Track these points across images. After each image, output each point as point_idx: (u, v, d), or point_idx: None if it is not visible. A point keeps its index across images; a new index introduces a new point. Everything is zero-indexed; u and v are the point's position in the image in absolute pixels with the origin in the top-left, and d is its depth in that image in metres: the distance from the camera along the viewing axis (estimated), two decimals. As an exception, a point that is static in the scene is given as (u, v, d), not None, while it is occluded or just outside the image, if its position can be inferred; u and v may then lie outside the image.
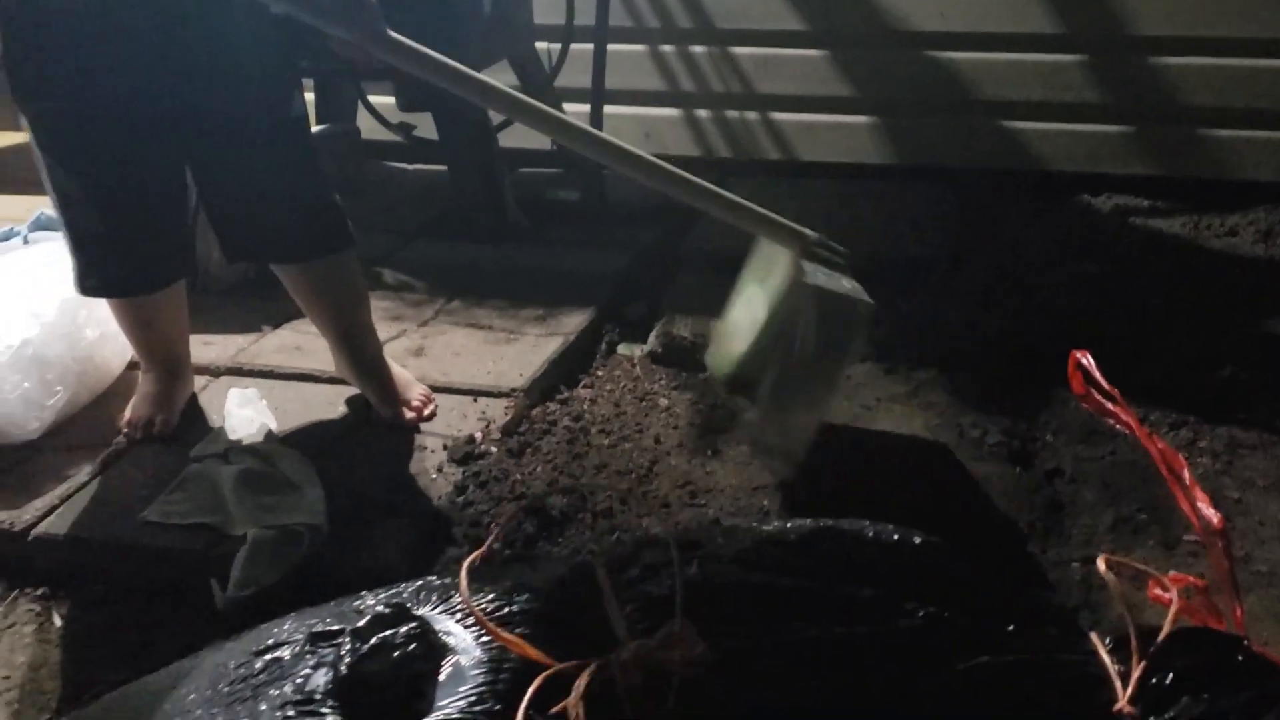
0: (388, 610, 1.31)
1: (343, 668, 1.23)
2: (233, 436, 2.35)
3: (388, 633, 1.27)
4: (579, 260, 3.39)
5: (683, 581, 1.31)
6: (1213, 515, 1.49)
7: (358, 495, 2.23)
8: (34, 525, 2.19)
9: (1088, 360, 1.68)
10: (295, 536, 2.08)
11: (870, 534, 1.48)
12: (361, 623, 1.28)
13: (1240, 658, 1.35)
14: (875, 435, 2.56)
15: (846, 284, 2.28)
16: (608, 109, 3.74)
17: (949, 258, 3.43)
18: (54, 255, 2.60)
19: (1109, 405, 1.65)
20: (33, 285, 2.47)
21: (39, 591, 2.14)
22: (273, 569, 2.03)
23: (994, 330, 3.03)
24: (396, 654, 1.25)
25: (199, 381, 2.67)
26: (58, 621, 2.08)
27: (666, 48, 4.03)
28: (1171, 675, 1.35)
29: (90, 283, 2.36)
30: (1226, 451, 2.48)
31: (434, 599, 1.39)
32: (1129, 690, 1.35)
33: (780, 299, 2.33)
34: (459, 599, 1.37)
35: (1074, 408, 2.68)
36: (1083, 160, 3.83)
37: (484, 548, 1.42)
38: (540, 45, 3.80)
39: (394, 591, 1.43)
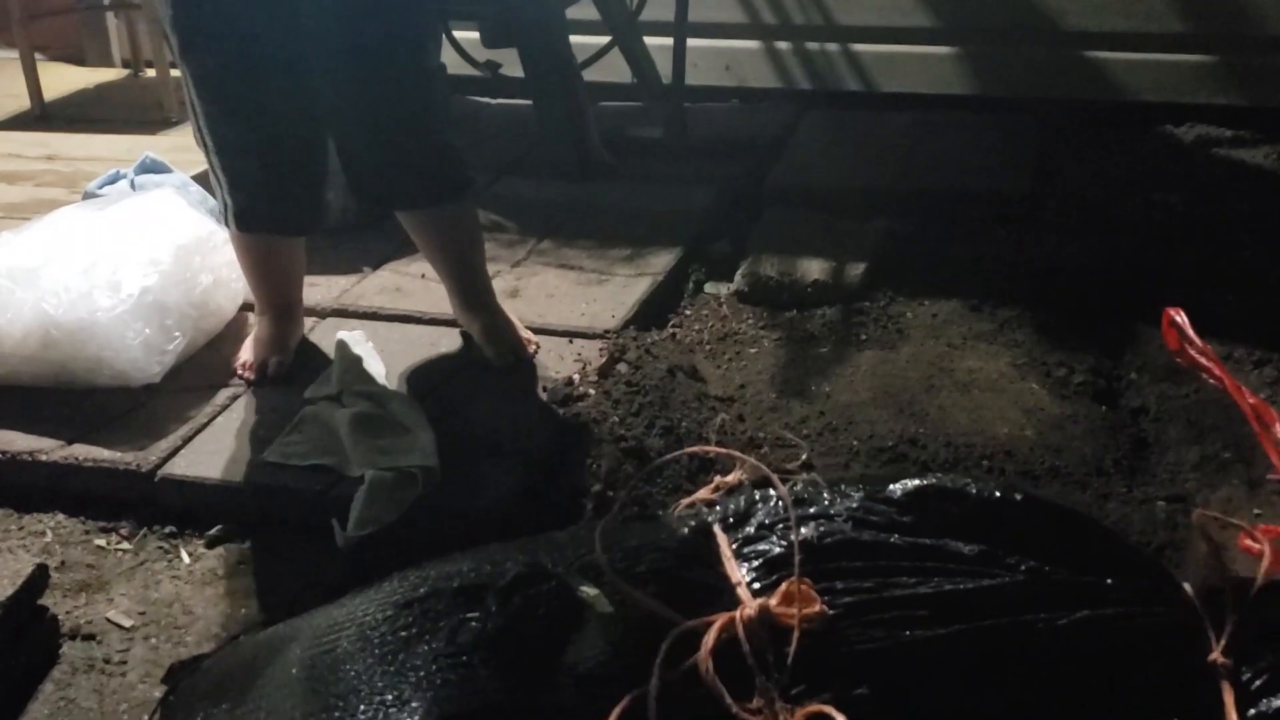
0: (526, 569, 1.40)
1: (490, 624, 1.32)
2: (344, 378, 2.44)
3: (529, 591, 1.35)
4: (664, 197, 3.44)
5: (799, 542, 1.38)
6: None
7: (464, 437, 2.32)
8: (160, 466, 2.30)
9: (1181, 318, 1.72)
10: (410, 478, 2.17)
11: (973, 491, 1.54)
12: (504, 581, 1.37)
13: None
14: (964, 371, 2.62)
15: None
16: (690, 42, 3.78)
17: (1031, 190, 3.45)
18: (166, 202, 2.71)
19: (1202, 361, 1.70)
20: (148, 232, 2.57)
21: (167, 530, 2.25)
22: (390, 508, 2.13)
23: (1077, 265, 3.06)
24: (539, 612, 1.34)
25: (307, 323, 2.77)
26: (186, 559, 2.19)
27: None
28: (1263, 627, 1.42)
29: (249, 220, 2.48)
30: (1316, 386, 2.51)
31: (567, 556, 1.48)
32: (1223, 642, 1.41)
33: None
34: (590, 556, 1.46)
35: (1158, 345, 2.70)
36: (1165, 90, 3.82)
37: (611, 515, 1.50)
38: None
39: (531, 548, 1.52)
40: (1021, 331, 2.78)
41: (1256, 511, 2.18)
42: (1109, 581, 1.51)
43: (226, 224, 2.53)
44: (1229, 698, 1.42)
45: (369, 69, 2.35)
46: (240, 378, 2.56)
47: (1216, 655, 1.42)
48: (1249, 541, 1.58)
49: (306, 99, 2.39)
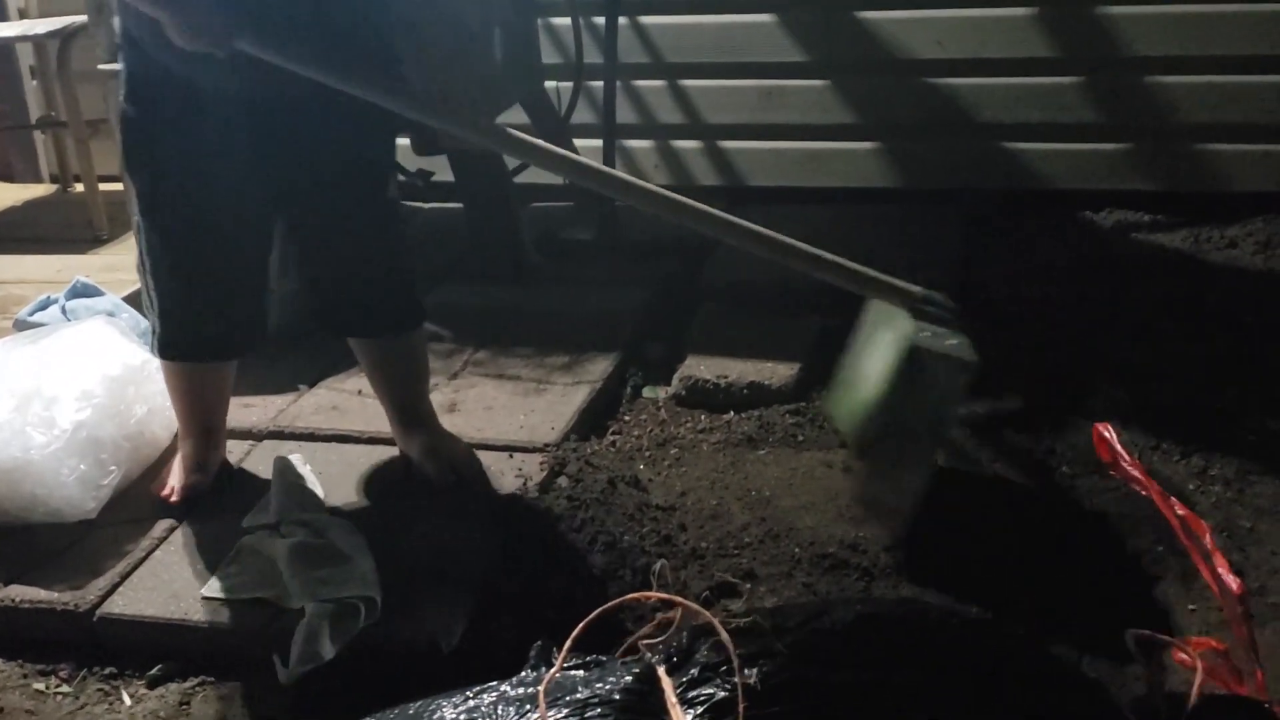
0: None
1: None
2: (282, 507, 2.43)
3: None
4: (598, 299, 3.47)
5: (743, 688, 1.40)
6: (1233, 582, 1.58)
7: (406, 562, 2.32)
8: (98, 605, 2.27)
9: (1110, 433, 1.77)
10: (351, 609, 2.16)
11: (914, 616, 1.56)
12: None
13: (1263, 722, 1.45)
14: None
15: (953, 341, 2.27)
16: (619, 142, 3.84)
17: (957, 282, 3.52)
18: (97, 333, 2.70)
19: (1132, 474, 1.74)
20: (80, 365, 2.55)
21: (107, 670, 2.22)
22: (332, 643, 2.11)
23: (1005, 357, 3.11)
24: None
25: (243, 446, 2.76)
26: (127, 700, 2.16)
27: (677, 81, 4.12)
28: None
29: (170, 350, 2.49)
30: (1237, 479, 2.56)
31: (511, 714, 1.48)
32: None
33: (896, 354, 2.32)
34: (535, 716, 1.46)
35: (1087, 432, 2.77)
36: (1083, 178, 3.92)
37: (555, 668, 1.51)
38: (549, 84, 3.89)
39: (471, 705, 1.52)
40: (956, 429, 2.82)
41: (1191, 607, 2.22)
42: (1048, 705, 1.53)
43: (152, 349, 2.52)
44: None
45: (341, 205, 2.39)
46: (163, 501, 2.54)
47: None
48: (1182, 655, 1.61)
49: (251, 226, 2.41)
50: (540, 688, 1.45)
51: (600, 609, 1.58)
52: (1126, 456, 1.76)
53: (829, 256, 2.38)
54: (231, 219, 2.37)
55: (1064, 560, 2.38)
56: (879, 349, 2.39)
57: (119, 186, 3.58)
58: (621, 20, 3.82)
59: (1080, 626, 2.19)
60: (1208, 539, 1.65)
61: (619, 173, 2.49)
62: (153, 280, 2.44)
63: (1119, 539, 2.43)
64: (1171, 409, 2.82)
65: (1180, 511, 1.68)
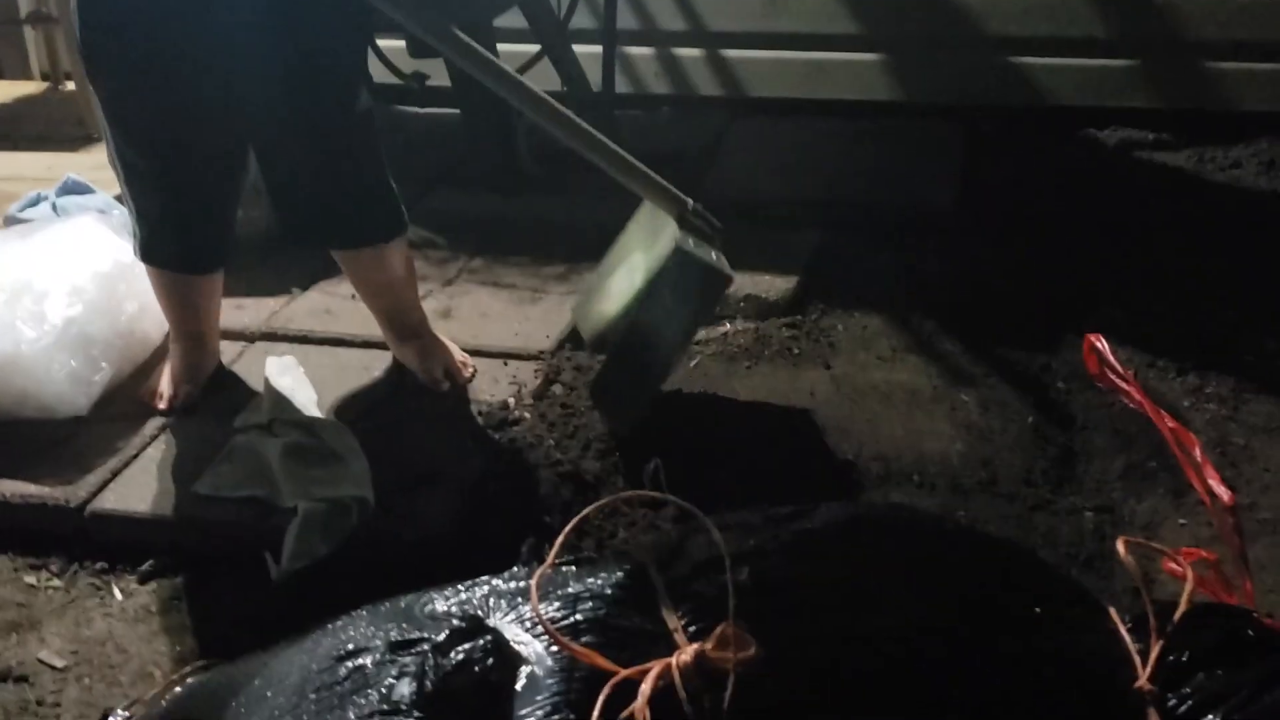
0: (464, 624, 1.40)
1: (427, 682, 1.33)
2: (274, 407, 2.43)
3: (466, 645, 1.35)
4: (595, 210, 3.41)
5: (734, 586, 1.39)
6: (1224, 493, 1.58)
7: (399, 464, 2.31)
8: (89, 501, 2.27)
9: (1101, 344, 1.75)
10: (344, 508, 2.16)
11: (903, 520, 1.56)
12: (440, 637, 1.37)
13: (1251, 632, 1.45)
14: (894, 384, 2.65)
15: (712, 254, 2.38)
16: (620, 49, 3.79)
17: (960, 198, 3.49)
18: (88, 228, 2.67)
19: (1123, 385, 1.73)
20: (71, 261, 2.53)
21: (98, 565, 2.22)
22: (324, 542, 2.12)
23: (1004, 274, 3.11)
24: (476, 667, 1.34)
25: (235, 348, 2.74)
26: (118, 595, 2.17)
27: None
28: (1188, 653, 1.44)
29: (152, 253, 2.45)
30: (1233, 396, 2.56)
31: (503, 606, 1.47)
32: (1149, 668, 1.44)
33: (658, 267, 2.39)
34: (527, 608, 1.46)
35: (1082, 349, 2.76)
36: (1089, 94, 3.87)
37: (549, 561, 1.50)
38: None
39: (463, 598, 1.51)
40: (950, 343, 2.82)
41: (1181, 521, 2.23)
42: (1037, 611, 1.53)
43: (135, 252, 2.49)
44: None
45: (302, 115, 2.30)
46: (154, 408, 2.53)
47: (1143, 682, 1.44)
48: (1172, 565, 1.60)
49: (218, 133, 2.33)
50: (532, 581, 1.44)
51: (594, 505, 1.57)
52: (1118, 368, 1.74)
53: (610, 145, 2.41)
54: (198, 131, 2.30)
55: (1057, 473, 2.39)
56: (652, 259, 2.43)
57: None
58: (624, -77, 3.76)
59: (1070, 538, 2.21)
60: (1198, 451, 1.64)
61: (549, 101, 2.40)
62: (125, 186, 2.41)
63: (1110, 453, 2.44)
64: (1168, 327, 2.81)
65: (1171, 424, 1.66)
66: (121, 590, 2.18)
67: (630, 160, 2.40)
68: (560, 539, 1.51)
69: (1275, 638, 1.47)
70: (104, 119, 2.32)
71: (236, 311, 2.85)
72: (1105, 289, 3.01)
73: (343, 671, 1.40)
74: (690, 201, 2.41)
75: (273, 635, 1.76)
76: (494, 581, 1.53)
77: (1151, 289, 2.98)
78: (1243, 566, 1.57)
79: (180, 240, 2.43)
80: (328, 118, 2.32)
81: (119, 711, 1.74)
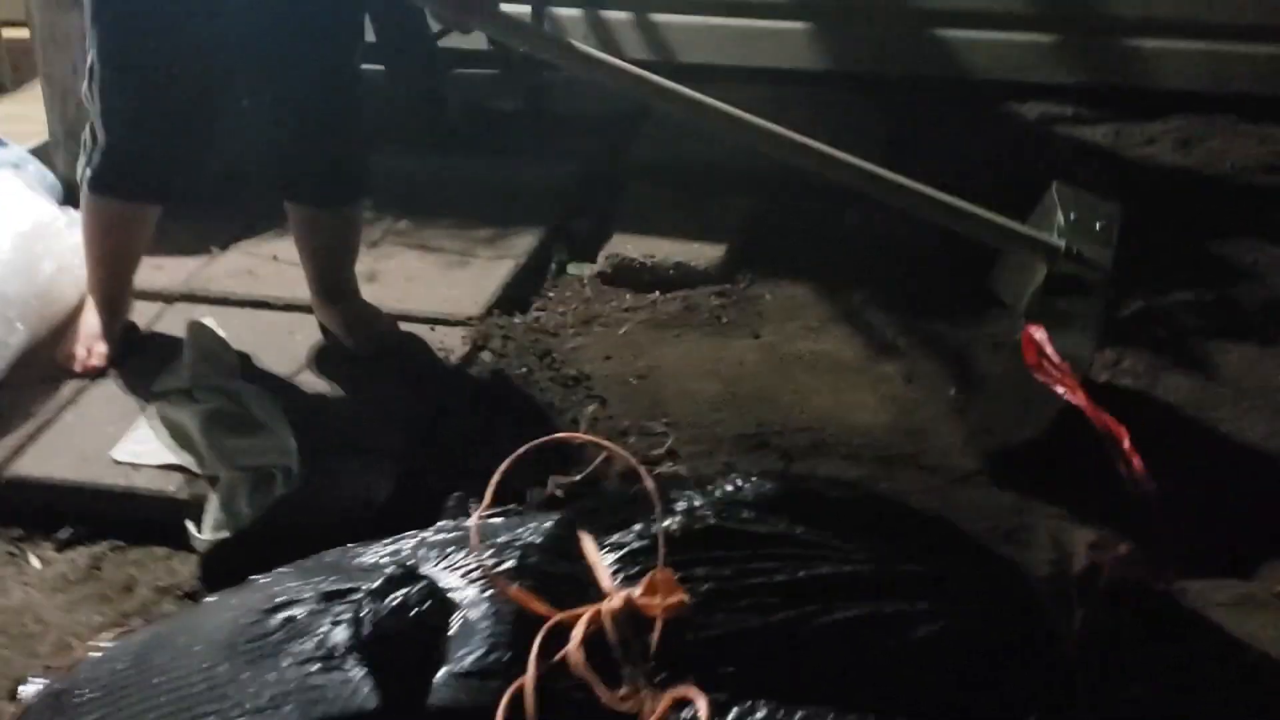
0: (398, 570, 1.41)
1: (365, 627, 1.34)
2: (196, 372, 2.38)
3: (401, 591, 1.37)
4: (524, 172, 3.40)
5: (664, 534, 1.42)
6: (1148, 480, 1.62)
7: (325, 432, 2.29)
8: (3, 466, 2.23)
9: (1041, 335, 1.79)
10: (268, 477, 2.14)
11: (833, 493, 1.59)
12: (376, 584, 1.39)
13: (1169, 611, 1.50)
14: (821, 355, 2.67)
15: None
16: (549, 10, 3.77)
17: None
18: (3, 184, 2.60)
19: (1059, 378, 1.77)
20: (-16, 219, 2.47)
21: (14, 533, 2.18)
22: (248, 511, 2.10)
23: (928, 244, 3.13)
24: (412, 612, 1.35)
25: (154, 308, 2.69)
26: (36, 564, 2.13)
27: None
28: (1110, 624, 1.49)
29: (106, 184, 2.42)
30: (1148, 372, 2.62)
31: (433, 556, 1.50)
32: (1072, 637, 1.48)
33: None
34: (459, 557, 1.47)
35: (1005, 320, 2.80)
36: (1010, 69, 3.89)
37: (479, 512, 1.52)
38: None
39: (391, 550, 1.53)
40: (876, 313, 2.85)
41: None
42: (963, 580, 1.56)
43: (82, 185, 2.45)
44: (1078, 690, 1.48)
45: (311, 70, 2.35)
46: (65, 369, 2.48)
47: (1066, 649, 1.49)
48: (1094, 555, 1.65)
49: (214, 89, 2.37)
50: (472, 523, 1.46)
51: (524, 447, 1.58)
52: (1055, 359, 1.79)
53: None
54: (197, 70, 2.31)
55: (979, 446, 2.42)
56: None
57: (22, 34, 3.43)
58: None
59: (992, 513, 2.25)
60: (1126, 443, 1.69)
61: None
62: (102, 116, 2.36)
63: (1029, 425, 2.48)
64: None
65: (1104, 418, 1.71)
66: (39, 558, 2.14)
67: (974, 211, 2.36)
68: (490, 487, 1.53)
69: (1192, 615, 1.52)
70: (95, 56, 2.30)
71: (155, 271, 2.78)
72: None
73: (274, 623, 1.42)
74: (1060, 244, 2.29)
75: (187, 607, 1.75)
76: (422, 534, 1.56)
77: (1070, 263, 3.03)
78: (1163, 552, 1.62)
79: (155, 166, 2.42)
80: (336, 73, 2.39)
81: (34, 680, 1.72)
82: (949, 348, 2.73)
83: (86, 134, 2.41)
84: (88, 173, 2.42)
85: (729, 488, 1.58)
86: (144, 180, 2.44)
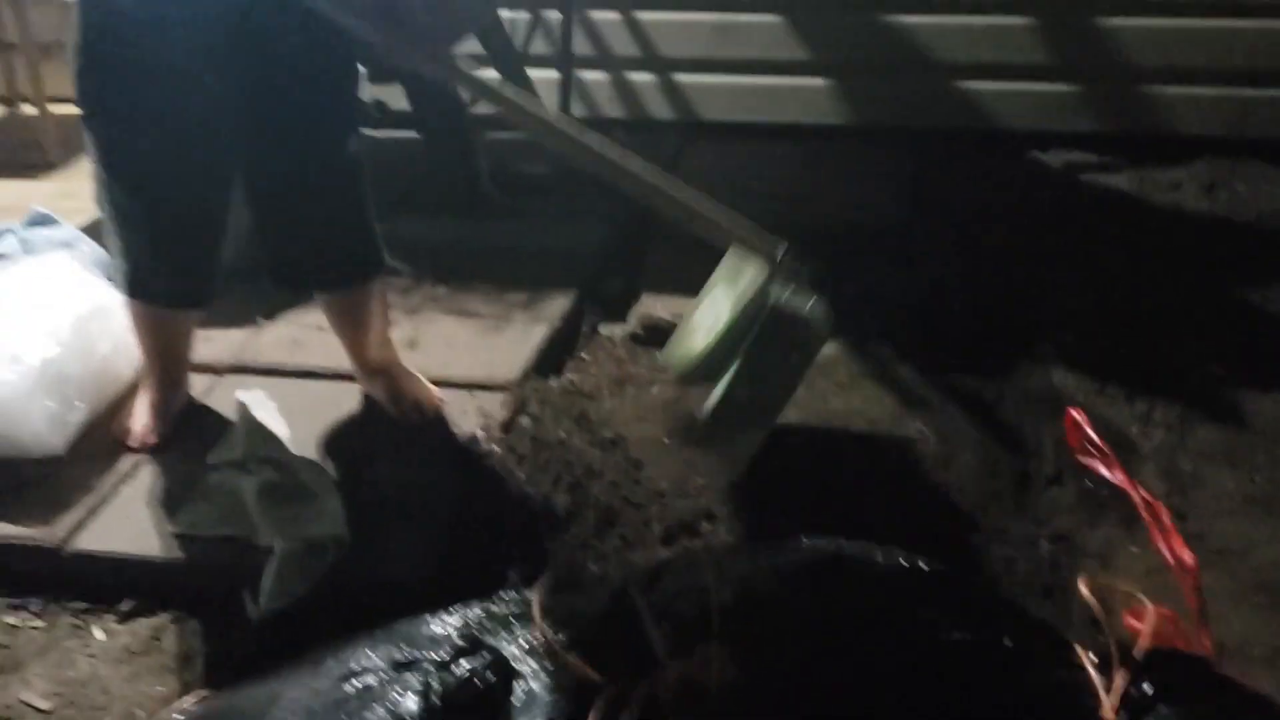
0: (464, 643, 1.48)
1: (433, 697, 1.40)
2: (248, 443, 2.46)
3: (468, 662, 1.44)
4: (555, 235, 3.49)
5: (718, 608, 1.48)
6: (1188, 557, 1.67)
7: (372, 501, 2.36)
8: (67, 540, 2.30)
9: (1081, 417, 1.86)
10: (320, 547, 2.21)
11: (878, 559, 1.64)
12: (443, 655, 1.45)
13: (1209, 677, 1.54)
14: (854, 412, 2.72)
15: (807, 303, 2.34)
16: (576, 74, 3.85)
17: (910, 221, 3.58)
18: (60, 267, 2.69)
19: (1102, 461, 1.83)
20: (45, 301, 2.55)
21: (78, 605, 2.25)
22: (302, 581, 2.16)
23: (955, 297, 3.19)
24: (478, 682, 1.42)
25: (205, 381, 2.77)
26: (99, 635, 2.20)
27: (633, 14, 4.11)
28: (1150, 688, 1.53)
29: (139, 289, 2.47)
30: (1180, 424, 2.65)
31: (496, 627, 1.56)
32: (1113, 701, 1.53)
33: (744, 306, 2.38)
34: (521, 628, 1.54)
35: (1035, 377, 2.86)
36: (1032, 118, 3.97)
37: (547, 580, 1.59)
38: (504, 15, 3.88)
39: (457, 621, 1.60)
40: (905, 368, 2.89)
41: (1134, 549, 2.31)
42: (1005, 643, 1.61)
43: (119, 287, 2.52)
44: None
45: (292, 166, 2.36)
46: (123, 444, 2.56)
47: (1108, 713, 1.53)
48: (1131, 620, 1.69)
49: (209, 182, 2.38)
50: (534, 599, 1.53)
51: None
52: (1097, 442, 1.86)
53: (701, 198, 2.42)
54: (189, 171, 2.33)
55: (1012, 502, 2.47)
56: (737, 295, 2.42)
57: (71, 109, 3.53)
58: (579, -49, 3.81)
59: (1028, 568, 2.29)
60: (1166, 520, 1.75)
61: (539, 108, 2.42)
62: (112, 224, 2.43)
63: (1063, 480, 2.52)
64: (1116, 353, 2.90)
65: (1145, 495, 1.78)
66: (103, 630, 2.21)
67: (705, 203, 2.38)
68: (554, 560, 1.59)
69: (1231, 682, 1.56)
70: (97, 163, 2.35)
71: (205, 343, 2.86)
72: (1054, 312, 3.10)
73: (349, 690, 1.49)
74: (781, 245, 2.39)
75: (253, 675, 1.82)
76: (485, 605, 1.62)
77: (1099, 312, 3.08)
78: (1202, 624, 1.66)
79: (168, 277, 2.47)
80: (322, 165, 2.39)
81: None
82: (977, 402, 2.77)
83: (107, 238, 2.48)
84: (118, 278, 2.49)
85: (778, 556, 1.64)
86: (166, 290, 2.49)
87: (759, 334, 2.30)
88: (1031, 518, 2.44)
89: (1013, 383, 2.83)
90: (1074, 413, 1.89)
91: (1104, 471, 1.87)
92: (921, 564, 1.65)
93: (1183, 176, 3.79)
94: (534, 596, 1.55)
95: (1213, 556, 2.26)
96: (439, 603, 2.07)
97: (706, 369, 2.47)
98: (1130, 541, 2.31)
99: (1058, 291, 3.19)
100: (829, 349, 2.96)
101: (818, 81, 4.08)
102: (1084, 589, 1.62)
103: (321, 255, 2.50)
